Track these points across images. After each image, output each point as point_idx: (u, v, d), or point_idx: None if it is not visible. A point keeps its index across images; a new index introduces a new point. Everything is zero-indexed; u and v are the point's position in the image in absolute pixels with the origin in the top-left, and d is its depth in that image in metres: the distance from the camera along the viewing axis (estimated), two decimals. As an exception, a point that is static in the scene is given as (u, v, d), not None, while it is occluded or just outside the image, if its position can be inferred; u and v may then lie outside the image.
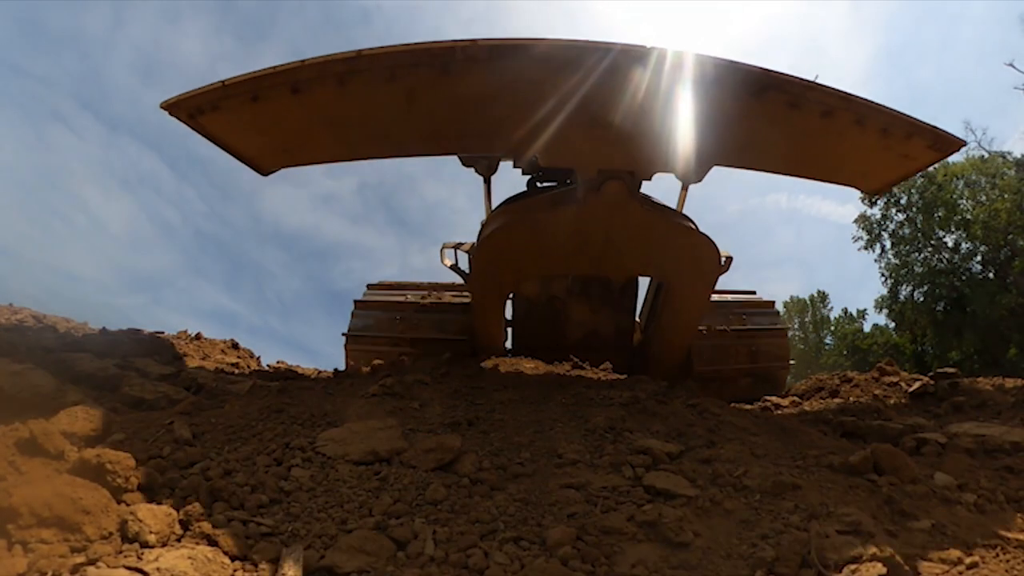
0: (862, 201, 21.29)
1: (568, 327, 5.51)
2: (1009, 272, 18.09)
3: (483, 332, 5.21)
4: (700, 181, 4.18)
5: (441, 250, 5.42)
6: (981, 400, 4.14)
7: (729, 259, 4.86)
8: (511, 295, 5.36)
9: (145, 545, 1.72)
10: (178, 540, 1.80)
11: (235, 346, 6.07)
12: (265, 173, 4.15)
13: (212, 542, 1.79)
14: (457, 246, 5.40)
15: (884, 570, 1.81)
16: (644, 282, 5.57)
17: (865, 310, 30.17)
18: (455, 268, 5.27)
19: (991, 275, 18.86)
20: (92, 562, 1.60)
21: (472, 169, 4.88)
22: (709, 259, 4.31)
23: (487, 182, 5.06)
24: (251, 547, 1.82)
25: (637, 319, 5.77)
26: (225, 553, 1.77)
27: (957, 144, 3.85)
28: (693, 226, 4.32)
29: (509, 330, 5.73)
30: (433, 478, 2.38)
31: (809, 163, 4.07)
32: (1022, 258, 17.75)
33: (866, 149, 3.82)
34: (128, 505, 1.88)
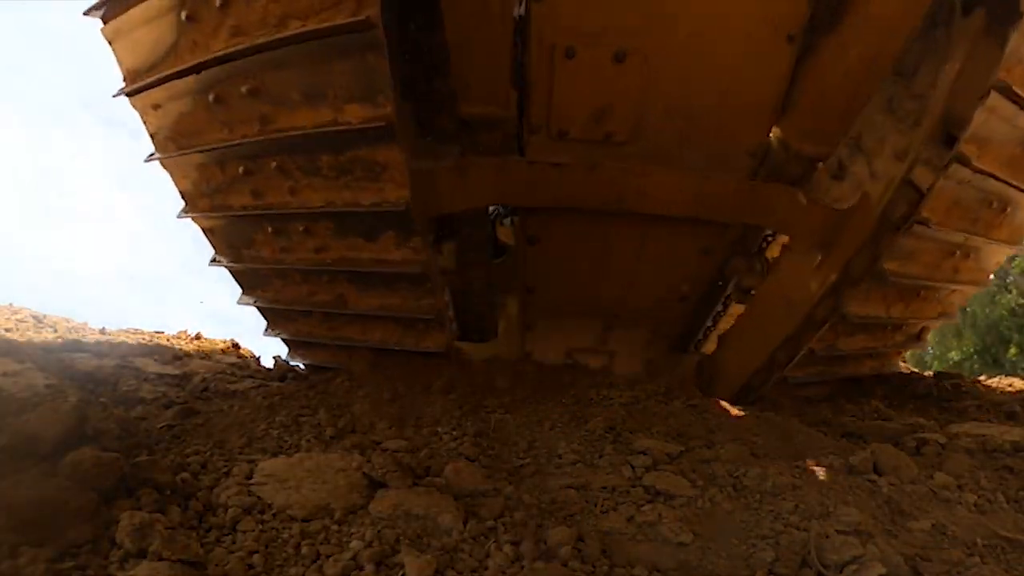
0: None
1: None
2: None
3: None
4: None
5: None
6: (982, 400, 4.13)
7: None
8: None
9: (129, 554, 1.65)
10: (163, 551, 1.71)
11: (235, 346, 6.06)
12: None
13: (195, 554, 1.72)
14: None
15: (884, 570, 1.81)
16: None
17: (865, 310, 30.06)
18: None
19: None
20: (81, 569, 1.55)
21: None
22: None
23: None
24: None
25: None
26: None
27: None
28: None
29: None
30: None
31: None
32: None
33: None
34: (116, 510, 1.80)
